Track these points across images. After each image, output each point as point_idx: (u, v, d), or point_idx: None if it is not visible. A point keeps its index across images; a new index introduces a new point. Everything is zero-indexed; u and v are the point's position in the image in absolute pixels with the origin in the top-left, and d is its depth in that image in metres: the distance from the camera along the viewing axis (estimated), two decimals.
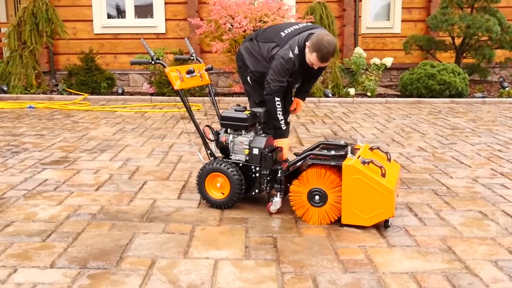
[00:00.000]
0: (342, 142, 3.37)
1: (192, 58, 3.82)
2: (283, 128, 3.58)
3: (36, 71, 9.66)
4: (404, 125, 6.70)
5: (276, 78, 3.44)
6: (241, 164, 3.34)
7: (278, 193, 3.26)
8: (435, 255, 2.68)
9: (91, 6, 10.90)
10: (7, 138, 5.62)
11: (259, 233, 2.95)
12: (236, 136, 3.42)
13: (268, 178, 3.28)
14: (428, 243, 2.83)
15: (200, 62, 3.81)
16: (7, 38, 9.45)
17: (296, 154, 3.37)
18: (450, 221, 3.18)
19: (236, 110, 3.42)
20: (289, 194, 3.20)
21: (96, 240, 2.82)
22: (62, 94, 9.34)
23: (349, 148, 3.19)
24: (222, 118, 3.44)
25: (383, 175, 2.97)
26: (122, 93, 9.47)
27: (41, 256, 2.61)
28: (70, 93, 9.42)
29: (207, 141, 3.52)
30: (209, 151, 3.53)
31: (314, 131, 6.22)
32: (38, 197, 3.58)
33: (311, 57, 3.36)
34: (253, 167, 3.31)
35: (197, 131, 3.56)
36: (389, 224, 3.03)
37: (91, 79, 9.58)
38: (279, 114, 3.50)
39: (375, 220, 2.97)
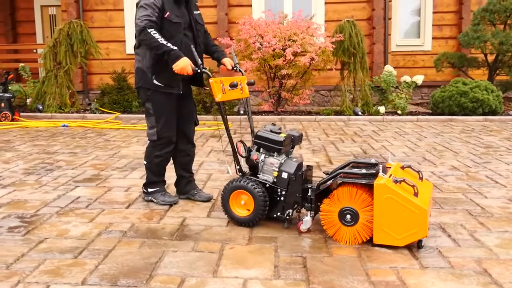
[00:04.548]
0: (372, 161, 3.32)
1: (235, 69, 3.80)
2: (175, 49, 3.43)
3: (70, 91, 9.93)
4: (436, 143, 6.57)
5: (142, 17, 3.47)
6: (267, 185, 3.33)
7: (309, 212, 3.23)
8: (470, 277, 2.60)
9: (124, 27, 11.19)
10: (41, 156, 5.77)
11: (288, 253, 2.92)
12: (267, 156, 3.40)
13: (294, 202, 3.27)
14: (463, 265, 2.74)
15: (243, 74, 3.76)
16: (43, 59, 9.77)
17: (326, 173, 3.34)
18: (485, 242, 3.08)
19: (272, 131, 3.39)
20: (319, 213, 3.17)
21: (126, 258, 2.84)
22: (95, 113, 9.55)
23: (380, 166, 3.15)
24: (256, 137, 3.42)
25: (416, 194, 2.91)
26: None
27: (72, 273, 2.64)
28: (103, 112, 9.63)
29: (238, 156, 3.52)
30: (238, 167, 3.53)
31: (344, 150, 6.17)
32: (71, 214, 3.64)
33: None
34: (279, 190, 3.30)
35: (230, 145, 3.57)
36: (422, 244, 2.95)
37: (123, 98, 9.79)
38: (160, 40, 3.42)
39: (408, 240, 2.91)
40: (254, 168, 3.46)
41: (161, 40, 3.42)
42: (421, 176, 3.29)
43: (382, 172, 3.07)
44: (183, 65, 3.41)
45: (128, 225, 3.39)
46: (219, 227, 3.36)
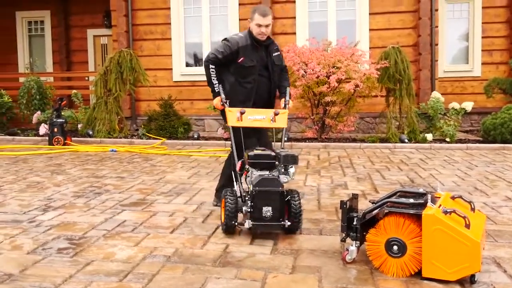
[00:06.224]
0: (421, 190, 3.22)
1: (283, 105, 4.37)
2: (217, 91, 4.21)
3: (119, 117, 10.24)
4: (488, 172, 6.33)
5: (214, 50, 4.30)
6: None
7: (354, 242, 3.16)
8: None
9: (171, 55, 11.51)
10: (90, 180, 5.93)
11: (332, 283, 2.85)
12: (253, 172, 3.79)
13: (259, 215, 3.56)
14: None
15: (285, 108, 4.36)
16: (94, 86, 10.15)
17: (372, 202, 3.26)
18: None
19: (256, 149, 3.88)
20: (365, 243, 3.09)
21: (170, 283, 2.85)
22: (142, 139, 9.78)
23: (429, 196, 3.04)
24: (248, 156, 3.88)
25: (467, 226, 2.79)
26: (198, 138, 9.77)
27: None
28: (149, 138, 9.85)
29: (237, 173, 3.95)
30: (236, 182, 3.95)
31: (390, 178, 6.03)
32: (117, 237, 3.70)
33: (254, 22, 4.17)
34: (249, 201, 3.64)
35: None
36: (475, 279, 2.81)
37: (169, 124, 10.00)
38: (213, 79, 4.25)
39: (459, 274, 2.78)
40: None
41: (213, 79, 4.25)
42: (472, 207, 3.16)
43: (431, 202, 2.96)
44: (215, 102, 4.26)
45: (172, 250, 3.41)
46: (262, 254, 3.32)
